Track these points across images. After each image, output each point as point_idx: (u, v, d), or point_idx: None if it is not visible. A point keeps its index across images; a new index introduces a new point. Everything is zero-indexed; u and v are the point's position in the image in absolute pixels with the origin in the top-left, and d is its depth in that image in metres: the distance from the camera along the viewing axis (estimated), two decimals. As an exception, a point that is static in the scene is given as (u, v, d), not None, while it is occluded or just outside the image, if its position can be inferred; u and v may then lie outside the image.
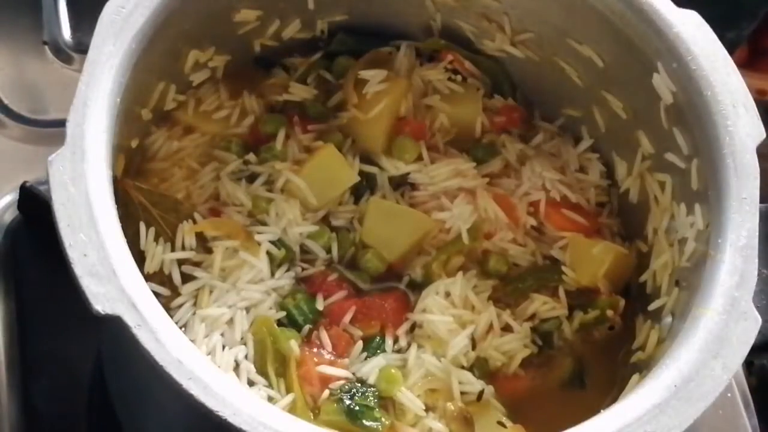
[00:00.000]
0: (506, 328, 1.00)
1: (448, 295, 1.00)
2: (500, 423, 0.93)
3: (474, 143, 1.10)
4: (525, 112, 1.14)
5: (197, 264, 0.96)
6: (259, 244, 0.98)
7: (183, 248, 0.96)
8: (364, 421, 0.91)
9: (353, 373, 0.95)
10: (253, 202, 1.02)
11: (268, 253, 0.98)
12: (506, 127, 1.12)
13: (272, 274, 0.98)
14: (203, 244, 0.98)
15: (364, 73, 1.08)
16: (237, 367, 0.93)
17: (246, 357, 0.93)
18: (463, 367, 0.97)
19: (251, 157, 1.05)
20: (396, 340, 0.98)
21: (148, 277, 0.90)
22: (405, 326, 0.99)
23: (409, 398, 0.93)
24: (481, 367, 0.98)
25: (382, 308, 0.99)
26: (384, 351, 0.97)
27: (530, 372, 0.99)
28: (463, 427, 0.93)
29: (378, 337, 0.98)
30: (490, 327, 0.99)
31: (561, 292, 1.02)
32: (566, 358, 1.01)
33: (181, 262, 0.96)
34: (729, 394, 1.17)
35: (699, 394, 0.82)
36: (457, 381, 0.95)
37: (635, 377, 0.92)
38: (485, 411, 0.95)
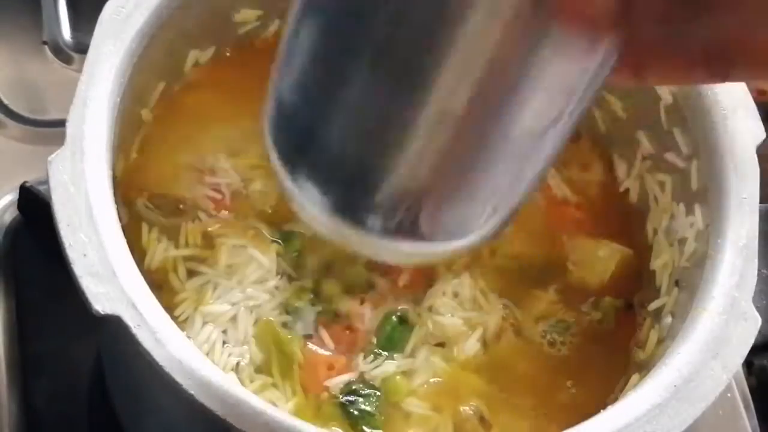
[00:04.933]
0: (513, 329, 1.00)
1: (456, 295, 1.00)
2: None
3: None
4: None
5: (202, 260, 0.96)
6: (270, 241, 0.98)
7: (187, 245, 0.96)
8: (364, 427, 0.91)
9: (360, 374, 0.95)
10: None
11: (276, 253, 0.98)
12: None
13: (278, 274, 0.98)
14: (208, 241, 0.97)
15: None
16: (237, 367, 0.92)
17: (248, 358, 0.93)
18: (471, 369, 0.96)
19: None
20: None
21: (149, 273, 0.90)
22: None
23: (415, 404, 0.93)
24: (489, 368, 0.97)
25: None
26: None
27: (534, 371, 0.99)
28: (479, 427, 0.93)
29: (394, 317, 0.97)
30: (499, 328, 0.99)
31: (564, 293, 1.02)
32: (569, 358, 1.00)
33: (184, 259, 0.95)
34: (729, 394, 1.17)
35: (699, 394, 0.82)
36: (467, 383, 0.95)
37: (635, 377, 0.91)
38: (494, 412, 0.95)
